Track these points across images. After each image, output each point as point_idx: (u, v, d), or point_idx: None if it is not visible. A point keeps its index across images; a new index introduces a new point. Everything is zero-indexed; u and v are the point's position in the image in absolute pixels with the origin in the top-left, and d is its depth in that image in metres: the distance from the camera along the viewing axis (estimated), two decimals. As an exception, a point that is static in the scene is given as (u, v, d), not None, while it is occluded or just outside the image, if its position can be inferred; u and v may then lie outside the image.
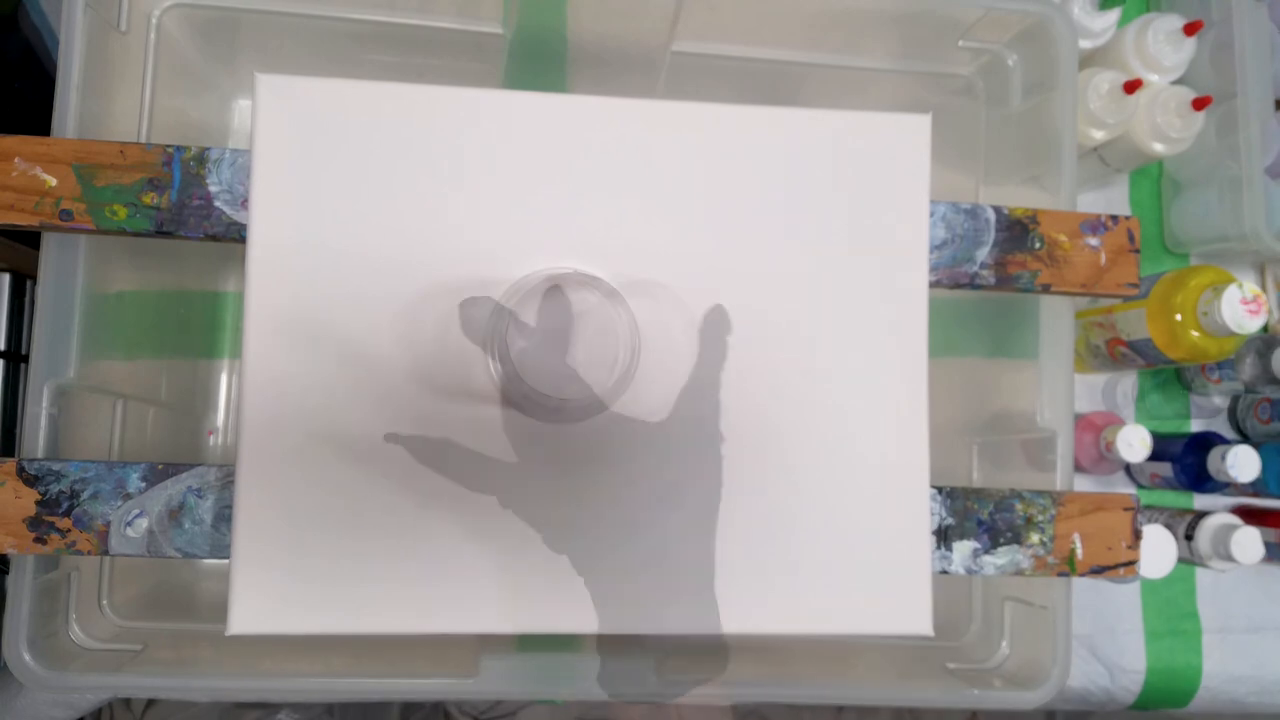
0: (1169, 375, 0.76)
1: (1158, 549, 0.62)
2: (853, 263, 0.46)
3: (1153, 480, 0.73)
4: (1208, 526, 0.66)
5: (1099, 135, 0.66)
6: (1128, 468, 0.74)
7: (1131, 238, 0.50)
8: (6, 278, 0.65)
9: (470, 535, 0.42)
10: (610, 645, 0.51)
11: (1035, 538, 0.48)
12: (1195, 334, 0.63)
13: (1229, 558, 0.64)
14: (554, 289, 0.42)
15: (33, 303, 0.58)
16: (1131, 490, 0.70)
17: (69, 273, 0.47)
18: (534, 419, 0.43)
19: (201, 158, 0.43)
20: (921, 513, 0.45)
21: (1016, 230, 0.49)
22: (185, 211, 0.43)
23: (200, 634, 0.55)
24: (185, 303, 0.64)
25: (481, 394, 0.43)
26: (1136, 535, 0.49)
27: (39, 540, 0.42)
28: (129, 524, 0.43)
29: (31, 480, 0.43)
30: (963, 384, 0.63)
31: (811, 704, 0.51)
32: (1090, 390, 0.76)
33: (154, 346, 0.60)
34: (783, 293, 0.45)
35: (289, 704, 0.72)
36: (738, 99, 0.46)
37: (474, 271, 0.43)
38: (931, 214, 0.47)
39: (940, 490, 0.48)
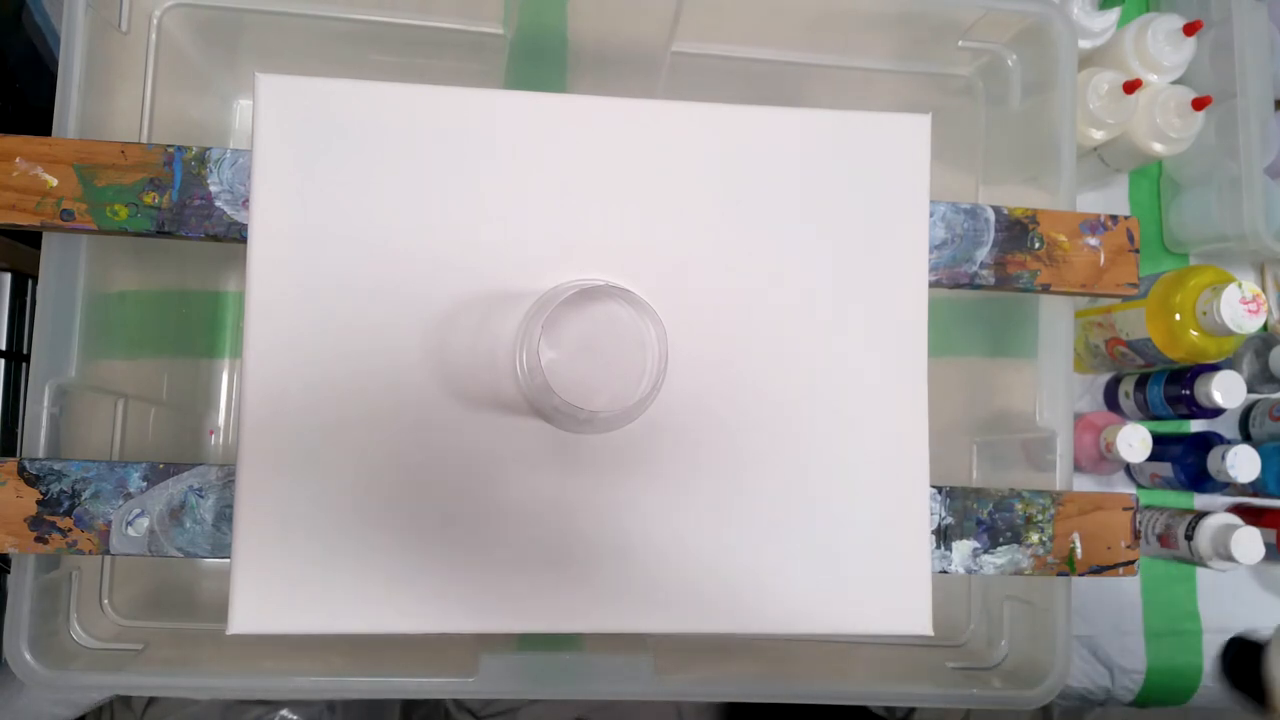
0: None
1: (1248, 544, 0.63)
2: (853, 262, 0.46)
3: (1153, 480, 0.73)
4: (1208, 526, 0.67)
5: (1098, 135, 0.66)
6: (1128, 468, 0.74)
7: (1131, 237, 0.50)
8: (7, 277, 0.65)
9: (476, 537, 0.42)
10: (610, 644, 0.51)
11: (1035, 537, 0.48)
12: (1194, 334, 0.63)
13: (1229, 558, 0.64)
14: (584, 300, 0.42)
15: (34, 302, 0.58)
16: (1132, 490, 0.70)
17: (70, 272, 0.47)
18: (561, 429, 0.43)
19: (202, 158, 0.43)
20: (921, 512, 0.45)
21: (1016, 230, 0.49)
22: (186, 211, 0.43)
23: (201, 633, 0.55)
24: (186, 302, 0.64)
25: (504, 400, 0.43)
26: (1136, 535, 0.49)
27: (40, 539, 0.42)
28: (130, 523, 0.43)
29: (33, 480, 0.43)
30: (962, 384, 0.63)
31: (812, 704, 0.51)
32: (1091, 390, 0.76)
33: (155, 346, 0.60)
34: (783, 292, 0.45)
35: (290, 702, 0.72)
36: (738, 99, 0.46)
37: (476, 273, 0.43)
38: (931, 214, 0.47)
39: (940, 490, 0.48)
